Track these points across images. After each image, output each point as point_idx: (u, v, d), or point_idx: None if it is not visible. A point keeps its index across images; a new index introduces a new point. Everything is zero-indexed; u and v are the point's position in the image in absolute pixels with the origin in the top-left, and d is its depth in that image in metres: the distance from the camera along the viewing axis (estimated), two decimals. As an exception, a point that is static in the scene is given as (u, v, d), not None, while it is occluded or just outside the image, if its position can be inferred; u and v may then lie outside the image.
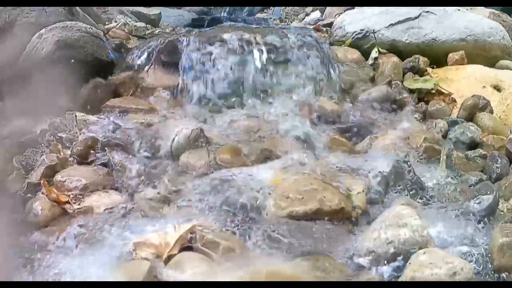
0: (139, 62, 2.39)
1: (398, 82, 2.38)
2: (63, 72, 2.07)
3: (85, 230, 1.43)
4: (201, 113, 2.17)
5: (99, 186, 1.64)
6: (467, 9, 2.94)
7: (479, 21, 2.76)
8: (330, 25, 2.95)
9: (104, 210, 1.54)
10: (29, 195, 1.60)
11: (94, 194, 1.61)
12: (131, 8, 3.67)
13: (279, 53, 2.36)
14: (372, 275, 1.23)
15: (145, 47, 2.45)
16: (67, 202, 1.57)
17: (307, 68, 2.35)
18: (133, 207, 1.54)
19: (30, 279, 1.25)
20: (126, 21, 3.14)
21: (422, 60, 2.55)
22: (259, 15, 5.11)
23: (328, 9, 3.64)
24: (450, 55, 2.59)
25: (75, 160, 1.75)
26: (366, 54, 2.62)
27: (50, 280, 1.24)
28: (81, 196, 1.59)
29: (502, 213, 1.54)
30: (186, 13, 4.50)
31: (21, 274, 1.26)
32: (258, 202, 1.51)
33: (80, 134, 1.88)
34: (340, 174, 1.67)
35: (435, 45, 2.63)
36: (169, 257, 1.27)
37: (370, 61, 2.58)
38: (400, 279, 1.20)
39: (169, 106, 2.20)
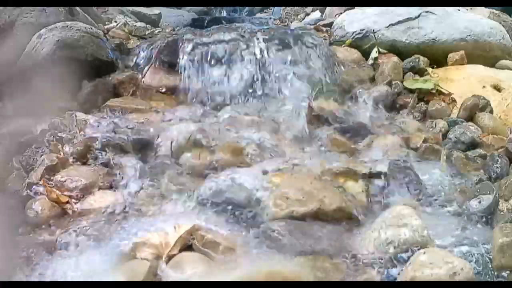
0: (139, 62, 2.39)
1: (398, 82, 2.38)
2: (63, 72, 2.07)
3: (85, 230, 1.43)
4: (201, 112, 2.17)
5: (99, 186, 1.64)
6: (467, 9, 2.94)
7: (479, 21, 2.76)
8: (330, 25, 2.95)
9: (104, 210, 1.53)
10: (29, 195, 1.60)
11: (94, 194, 1.61)
12: (131, 8, 3.67)
13: (279, 53, 2.36)
14: (372, 275, 1.23)
15: (145, 47, 2.45)
16: (67, 202, 1.57)
17: (307, 68, 2.35)
18: (133, 207, 1.54)
19: (30, 279, 1.25)
20: (126, 21, 3.14)
21: (422, 60, 2.55)
22: (259, 15, 5.11)
23: (328, 9, 3.64)
24: (450, 55, 2.59)
25: (75, 160, 1.75)
26: (366, 54, 2.62)
27: (49, 280, 1.24)
28: (81, 196, 1.59)
29: (502, 213, 1.53)
30: (186, 13, 4.50)
31: (21, 274, 1.26)
32: (258, 202, 1.51)
33: (80, 134, 1.88)
34: (340, 174, 1.67)
35: (435, 45, 2.63)
36: (169, 257, 1.27)
37: (370, 61, 2.58)
38: (400, 279, 1.20)
39: (169, 106, 2.20)
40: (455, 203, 1.58)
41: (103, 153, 1.78)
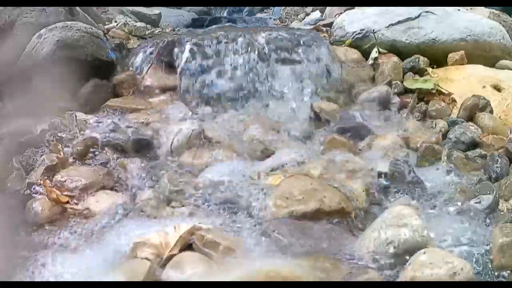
0: (139, 62, 2.39)
1: (398, 82, 2.38)
2: (63, 72, 2.07)
3: (85, 230, 1.43)
4: (201, 112, 2.17)
5: (99, 186, 1.64)
6: (467, 9, 2.94)
7: (479, 21, 2.76)
8: (330, 25, 2.95)
9: (104, 210, 1.53)
10: (29, 195, 1.60)
11: (94, 194, 1.61)
12: (131, 8, 3.67)
13: (279, 53, 2.36)
14: (372, 275, 1.23)
15: (145, 47, 2.45)
16: (67, 202, 1.57)
17: (307, 68, 2.35)
18: (133, 207, 1.54)
19: (30, 279, 1.25)
20: (126, 21, 3.14)
21: (422, 60, 2.55)
22: (259, 15, 5.11)
23: (328, 9, 3.64)
24: (450, 55, 2.59)
25: (75, 160, 1.76)
26: (366, 54, 2.61)
27: (49, 280, 1.24)
28: (81, 196, 1.59)
29: (502, 213, 1.53)
30: (186, 13, 4.50)
31: (20, 274, 1.26)
32: (258, 202, 1.51)
33: (80, 134, 1.88)
34: (340, 174, 1.67)
35: (435, 45, 2.63)
36: (169, 257, 1.27)
37: (370, 61, 2.58)
38: (400, 279, 1.20)
39: (169, 106, 2.20)
40: (455, 203, 1.58)
41: (103, 153, 1.78)
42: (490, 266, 1.29)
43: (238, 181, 1.60)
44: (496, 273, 1.27)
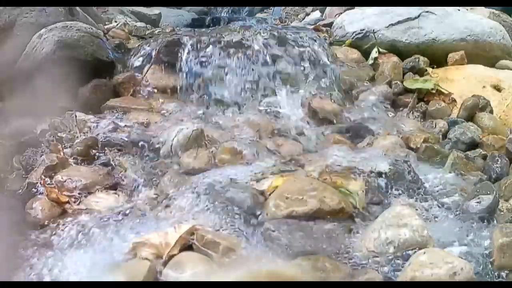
0: (139, 62, 2.39)
1: (398, 82, 2.38)
2: (63, 72, 2.07)
3: (85, 230, 1.43)
4: (201, 112, 2.17)
5: (99, 186, 1.64)
6: (467, 9, 2.94)
7: (479, 21, 2.76)
8: (330, 25, 2.95)
9: (104, 210, 1.53)
10: (29, 195, 1.60)
11: (94, 194, 1.61)
12: (131, 8, 3.67)
13: (279, 53, 2.36)
14: (372, 275, 1.23)
15: (145, 47, 2.45)
16: (67, 202, 1.56)
17: (307, 69, 2.35)
18: (133, 207, 1.54)
19: (30, 279, 1.25)
20: (126, 21, 3.14)
21: (422, 60, 2.55)
22: (259, 15, 5.11)
23: (328, 9, 3.64)
24: (450, 55, 2.59)
25: (75, 160, 1.75)
26: (366, 54, 2.62)
27: (49, 280, 1.24)
28: (81, 196, 1.59)
29: (502, 213, 1.53)
30: (186, 13, 4.51)
31: (20, 274, 1.26)
32: (258, 202, 1.51)
33: (80, 134, 1.88)
34: (340, 174, 1.67)
35: (435, 45, 2.64)
36: (169, 257, 1.27)
37: (370, 61, 2.58)
38: (400, 279, 1.20)
39: (169, 106, 2.20)
40: (455, 203, 1.58)
41: (103, 153, 1.78)
42: (490, 266, 1.29)
43: (238, 181, 1.60)
44: (496, 273, 1.27)
